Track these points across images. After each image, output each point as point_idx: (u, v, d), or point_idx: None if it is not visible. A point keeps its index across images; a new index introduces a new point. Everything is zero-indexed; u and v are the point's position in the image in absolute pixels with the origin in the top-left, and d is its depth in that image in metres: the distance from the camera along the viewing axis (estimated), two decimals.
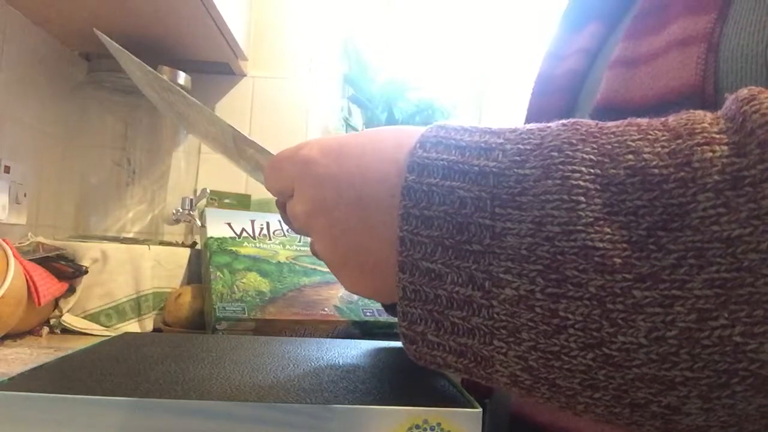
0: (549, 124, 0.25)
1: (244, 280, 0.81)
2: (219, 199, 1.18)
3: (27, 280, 0.74)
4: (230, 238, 0.88)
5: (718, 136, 0.21)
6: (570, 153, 0.22)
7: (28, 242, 0.89)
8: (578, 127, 0.24)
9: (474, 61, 1.54)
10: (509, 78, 1.54)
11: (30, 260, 0.79)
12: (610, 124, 0.24)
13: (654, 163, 0.21)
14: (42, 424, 0.24)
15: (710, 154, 0.21)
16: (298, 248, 0.90)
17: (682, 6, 0.35)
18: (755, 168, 0.20)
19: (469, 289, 0.23)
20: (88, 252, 0.87)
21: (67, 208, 1.17)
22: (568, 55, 0.47)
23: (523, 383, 0.23)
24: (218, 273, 0.81)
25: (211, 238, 0.87)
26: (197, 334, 0.88)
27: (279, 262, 0.87)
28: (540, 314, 0.22)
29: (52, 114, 1.10)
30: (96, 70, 1.14)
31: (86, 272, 0.86)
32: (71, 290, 0.85)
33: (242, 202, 1.20)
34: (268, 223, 0.93)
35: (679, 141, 0.21)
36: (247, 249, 0.87)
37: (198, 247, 1.04)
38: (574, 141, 0.23)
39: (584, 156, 0.22)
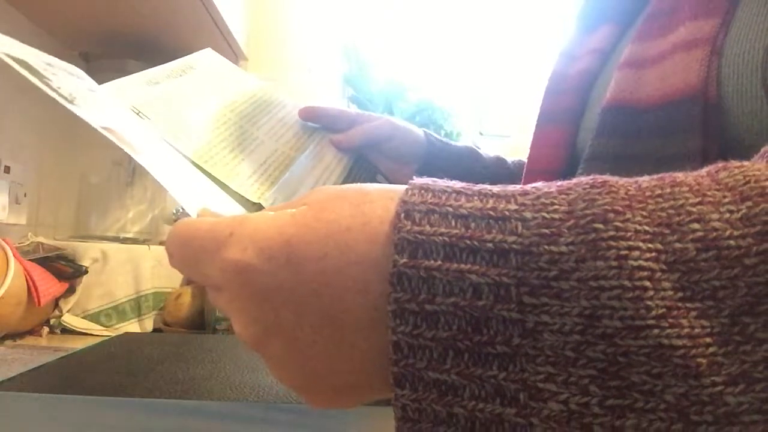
0: (568, 183, 0.20)
1: None
2: None
3: (27, 280, 0.74)
4: None
5: None
6: (620, 224, 0.18)
7: (28, 242, 0.89)
8: (614, 188, 0.19)
9: (474, 61, 1.54)
10: (509, 78, 1.54)
11: (30, 260, 0.79)
12: (646, 181, 0.20)
13: (728, 232, 0.18)
14: (42, 424, 0.24)
15: None
16: None
17: (689, 10, 0.35)
18: None
19: (498, 404, 0.18)
20: (88, 252, 0.88)
21: (67, 208, 1.17)
22: (582, 55, 0.48)
23: None
24: None
25: None
26: (197, 334, 0.89)
27: None
28: None
29: (52, 114, 1.10)
30: (96, 71, 1.15)
31: (86, 272, 0.86)
32: (71, 290, 0.85)
33: None
34: None
35: (749, 203, 0.18)
36: None
37: None
38: (619, 208, 0.19)
39: (638, 227, 0.18)
